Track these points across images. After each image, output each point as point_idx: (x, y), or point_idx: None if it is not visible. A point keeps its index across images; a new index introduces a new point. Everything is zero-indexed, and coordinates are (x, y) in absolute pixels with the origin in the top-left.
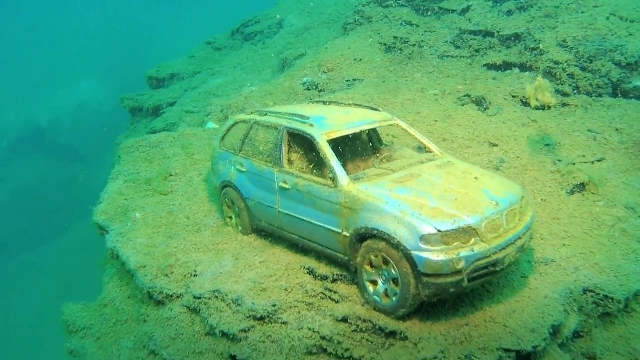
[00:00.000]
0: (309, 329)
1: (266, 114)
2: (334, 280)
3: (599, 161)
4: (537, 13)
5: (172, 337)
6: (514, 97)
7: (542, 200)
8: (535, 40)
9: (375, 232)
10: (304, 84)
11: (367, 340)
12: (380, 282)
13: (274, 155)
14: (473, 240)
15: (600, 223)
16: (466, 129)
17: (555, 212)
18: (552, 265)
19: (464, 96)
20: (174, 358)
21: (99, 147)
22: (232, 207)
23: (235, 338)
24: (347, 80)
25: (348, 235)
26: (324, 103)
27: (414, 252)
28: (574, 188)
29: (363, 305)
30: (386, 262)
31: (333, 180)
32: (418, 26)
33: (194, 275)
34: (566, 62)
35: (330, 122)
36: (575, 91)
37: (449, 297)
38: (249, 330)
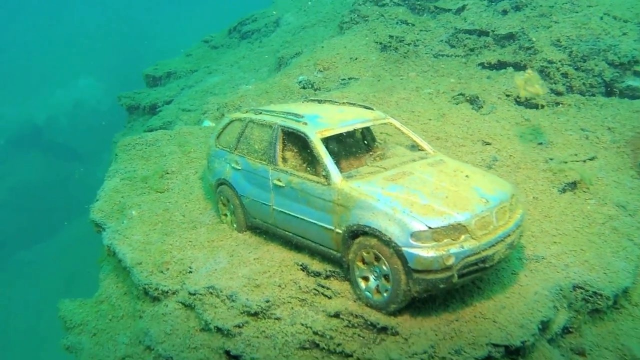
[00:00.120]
0: (302, 324)
1: (261, 113)
2: (327, 277)
3: (590, 160)
4: (531, 12)
5: (168, 332)
6: (507, 95)
7: (533, 198)
8: (530, 40)
9: (367, 229)
10: (300, 82)
11: (359, 335)
12: (371, 278)
13: (269, 153)
14: (463, 237)
15: (591, 221)
16: (460, 127)
17: (547, 209)
18: (542, 262)
19: (458, 95)
20: (169, 353)
21: (96, 145)
22: (227, 204)
23: (230, 333)
24: (343, 79)
25: (340, 232)
26: (319, 102)
27: (404, 249)
28: (565, 186)
29: (355, 301)
30: (377, 259)
31: (326, 178)
32: (413, 25)
33: (189, 272)
34: (560, 61)
35: (324, 120)
36: (569, 90)
37: (439, 292)
38: (243, 325)
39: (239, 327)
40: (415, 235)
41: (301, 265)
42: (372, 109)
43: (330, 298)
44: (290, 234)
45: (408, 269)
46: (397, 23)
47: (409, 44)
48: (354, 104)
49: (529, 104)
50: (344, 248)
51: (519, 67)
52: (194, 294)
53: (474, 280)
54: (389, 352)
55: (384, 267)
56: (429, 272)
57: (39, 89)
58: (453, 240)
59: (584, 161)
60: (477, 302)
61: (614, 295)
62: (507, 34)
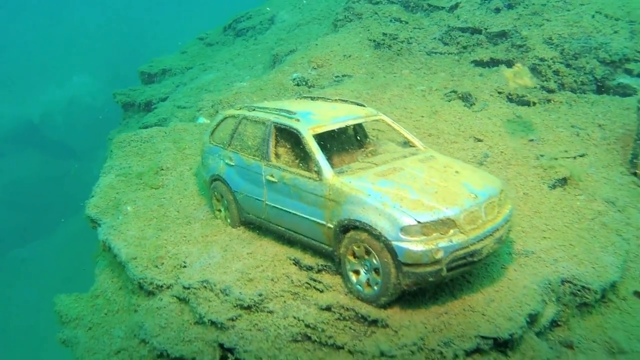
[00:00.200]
0: (294, 317)
1: (254, 109)
2: (319, 271)
3: (581, 156)
4: (524, 10)
5: (162, 326)
6: (499, 93)
7: (524, 194)
8: (522, 38)
9: (358, 223)
10: (294, 79)
11: (350, 327)
12: (362, 271)
13: (262, 150)
14: (452, 231)
15: (581, 216)
16: (452, 124)
17: (537, 205)
18: (531, 256)
19: (451, 92)
20: (163, 346)
21: (92, 142)
22: (221, 200)
23: (223, 326)
24: (336, 76)
25: (332, 226)
26: (312, 98)
27: (394, 243)
28: (555, 182)
29: (346, 294)
30: (368, 253)
31: (318, 174)
32: (407, 23)
33: (184, 266)
34: (551, 59)
35: (316, 117)
36: (560, 87)
37: (428, 286)
38: (237, 318)
39: (233, 320)
40: (404, 229)
41: (293, 260)
42: (364, 106)
43: (322, 291)
44: (283, 229)
45: (398, 262)
46: (390, 21)
47: (402, 42)
48: (346, 101)
49: (520, 101)
50: (335, 242)
51: (511, 64)
52: (188, 288)
53: (463, 274)
54: (379, 344)
55: (375, 261)
56: (419, 266)
57: (33, 87)
58: (442, 234)
59: (574, 158)
60: (467, 295)
61: (602, 289)
62: (499, 31)
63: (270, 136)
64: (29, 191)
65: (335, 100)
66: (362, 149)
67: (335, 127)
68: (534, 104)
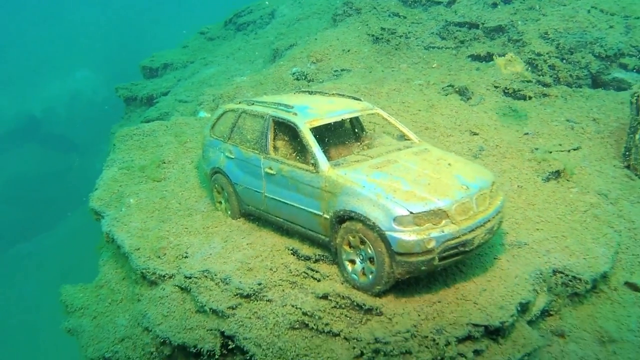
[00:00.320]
0: (292, 306)
1: (253, 103)
2: (316, 260)
3: (575, 150)
4: (520, 5)
5: (165, 314)
6: (496, 87)
7: (518, 186)
8: (518, 32)
9: (353, 214)
10: (293, 74)
11: (346, 315)
12: (358, 261)
13: (260, 143)
14: (443, 221)
15: (573, 209)
16: (448, 118)
17: (531, 197)
18: (524, 247)
19: (448, 86)
20: (166, 334)
21: (94, 136)
22: (222, 192)
23: (224, 314)
24: (335, 71)
25: (328, 217)
26: (309, 93)
27: (387, 233)
28: (549, 175)
29: (342, 283)
30: (363, 242)
31: (314, 166)
32: (405, 17)
33: (185, 257)
34: (547, 53)
35: (313, 111)
36: (556, 82)
37: (421, 274)
38: (236, 307)
39: (233, 308)
40: (397, 219)
41: (292, 250)
42: (360, 100)
43: (319, 281)
44: (281, 220)
45: (391, 251)
46: (389, 15)
47: (400, 36)
48: (343, 95)
49: (516, 95)
50: (331, 233)
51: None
52: (190, 278)
53: (455, 263)
54: (373, 331)
55: (369, 251)
56: (411, 255)
57: (36, 81)
58: (434, 224)
59: (568, 151)
60: (460, 284)
61: (593, 279)
62: (496, 26)
63: (269, 130)
64: (32, 185)
65: (333, 94)
66: (359, 142)
67: (331, 120)
68: (530, 98)
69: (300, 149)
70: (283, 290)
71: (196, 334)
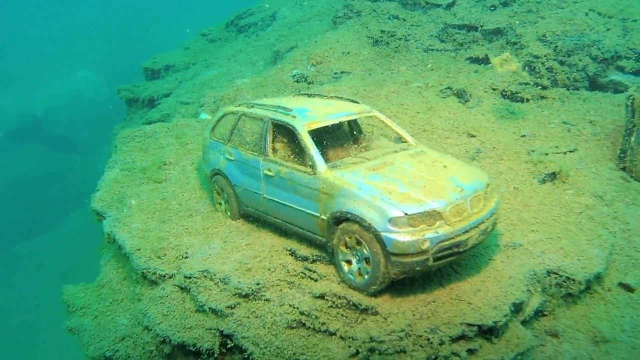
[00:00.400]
0: (290, 305)
1: (253, 106)
2: (314, 261)
3: (571, 152)
4: (519, 8)
5: (165, 313)
6: (494, 89)
7: (514, 188)
8: (517, 35)
9: (349, 215)
10: (294, 76)
11: (342, 315)
12: (354, 261)
13: (260, 145)
14: (438, 223)
15: (569, 210)
16: (446, 120)
17: (527, 199)
18: (519, 249)
19: (446, 88)
20: (166, 333)
21: (95, 137)
22: (222, 193)
23: (222, 314)
24: (335, 73)
25: (325, 218)
26: (308, 95)
27: (383, 234)
28: (545, 177)
29: (339, 283)
30: (359, 243)
31: (312, 168)
32: (405, 20)
33: (185, 257)
34: (545, 56)
35: (311, 113)
36: (554, 84)
37: (415, 275)
38: (235, 306)
39: (231, 308)
40: (392, 221)
41: (290, 250)
42: (358, 103)
43: (316, 281)
44: (280, 221)
45: (386, 252)
46: (389, 18)
47: (400, 39)
48: (342, 98)
49: (514, 97)
50: (328, 233)
51: None
52: (190, 278)
53: (450, 264)
54: (369, 330)
55: (365, 251)
56: (406, 256)
57: (37, 81)
58: (428, 226)
59: (565, 153)
60: (454, 285)
61: (587, 280)
62: (494, 29)
63: (268, 132)
64: (33, 185)
65: (331, 97)
66: (356, 145)
67: (329, 123)
68: (528, 100)
69: (298, 151)
70: (281, 290)
71: (195, 333)
